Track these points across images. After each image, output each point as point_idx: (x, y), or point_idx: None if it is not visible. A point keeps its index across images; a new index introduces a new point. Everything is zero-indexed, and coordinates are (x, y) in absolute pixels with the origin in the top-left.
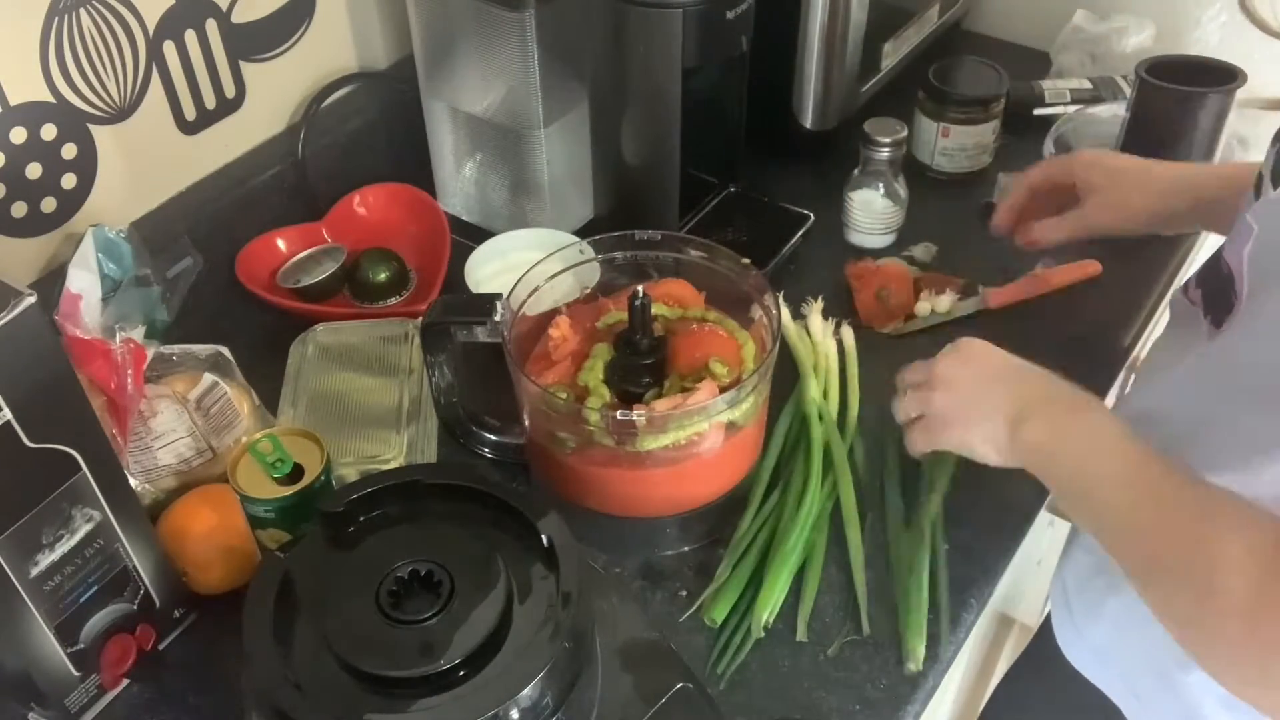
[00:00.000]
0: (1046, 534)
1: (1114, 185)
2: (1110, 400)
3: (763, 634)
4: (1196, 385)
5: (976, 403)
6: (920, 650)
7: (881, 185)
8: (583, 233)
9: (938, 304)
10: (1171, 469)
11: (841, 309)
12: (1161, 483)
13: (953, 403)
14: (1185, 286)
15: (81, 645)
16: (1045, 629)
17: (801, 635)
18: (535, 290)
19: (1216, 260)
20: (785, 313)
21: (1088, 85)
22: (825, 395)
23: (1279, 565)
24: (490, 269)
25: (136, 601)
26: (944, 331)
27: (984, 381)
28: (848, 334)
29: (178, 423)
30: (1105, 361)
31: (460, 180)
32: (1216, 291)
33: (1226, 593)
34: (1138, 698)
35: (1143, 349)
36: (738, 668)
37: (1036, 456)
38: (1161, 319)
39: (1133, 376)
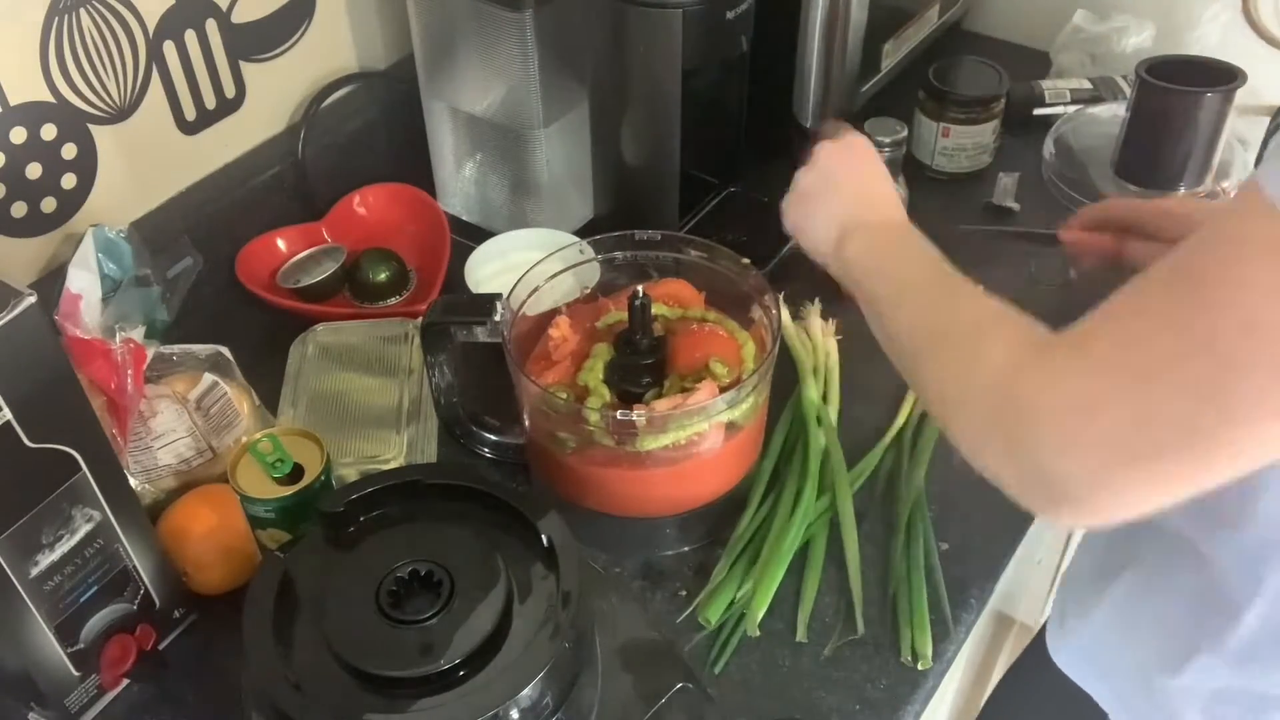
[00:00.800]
0: (1046, 534)
1: None
2: None
3: (757, 633)
4: None
5: (820, 203)
6: (927, 649)
7: None
8: (583, 233)
9: None
10: (966, 279)
11: (841, 309)
12: (953, 281)
13: (807, 192)
14: None
15: (81, 645)
16: (1043, 632)
17: (801, 636)
18: (535, 290)
19: None
20: (785, 313)
21: (1088, 85)
22: (825, 397)
23: (1035, 345)
24: (490, 269)
25: (136, 601)
26: None
27: (834, 183)
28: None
29: (178, 423)
30: None
31: (460, 180)
32: None
33: (988, 361)
34: (1122, 702)
35: None
36: (738, 668)
37: (851, 269)
38: None
39: None
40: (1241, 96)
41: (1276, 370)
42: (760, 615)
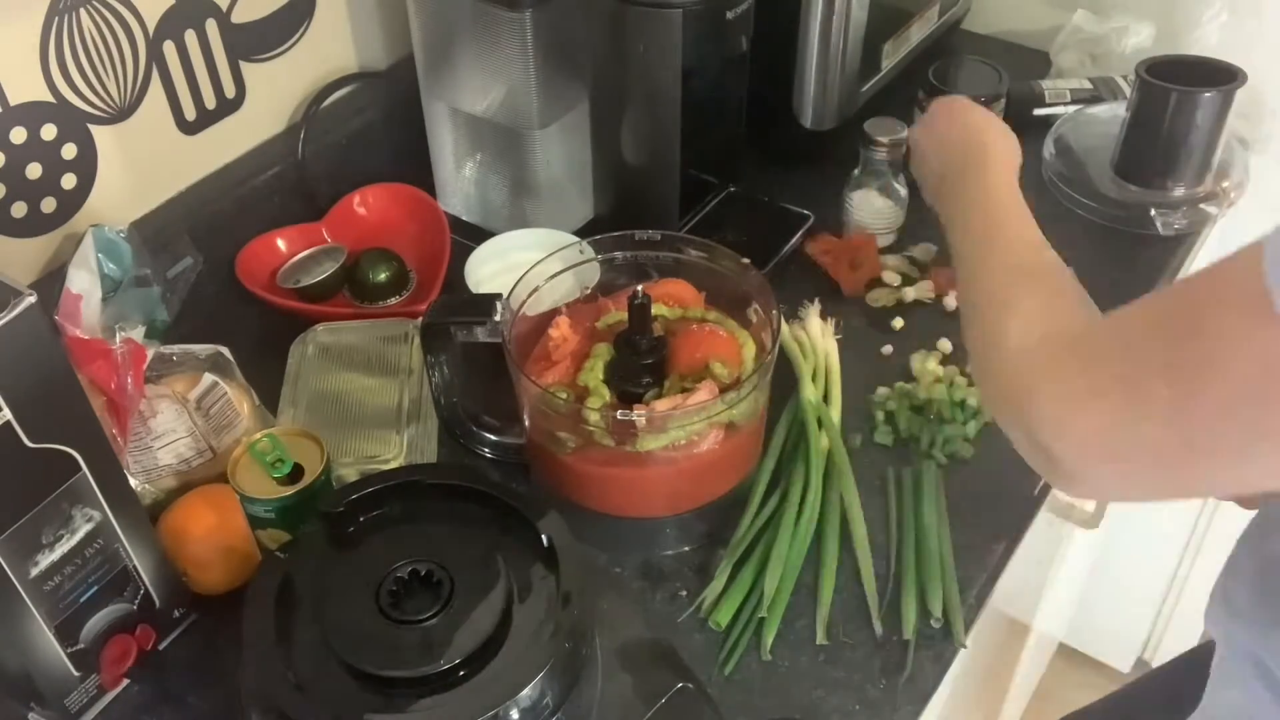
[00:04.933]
0: (1046, 533)
1: None
2: None
3: (769, 657)
4: None
5: (933, 158)
6: (939, 607)
7: (881, 185)
8: (583, 233)
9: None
10: (1022, 235)
11: (840, 309)
12: (1000, 242)
13: (924, 150)
14: None
15: (81, 645)
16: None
17: (821, 639)
18: (535, 290)
19: None
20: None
21: (1088, 85)
22: (826, 396)
23: (1046, 337)
24: (490, 269)
25: (136, 601)
26: (938, 308)
27: (936, 145)
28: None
29: (178, 423)
30: None
31: (460, 180)
32: None
33: (1006, 338)
34: None
35: None
36: (738, 667)
37: (945, 217)
38: None
39: None
40: (1241, 96)
41: (1232, 414)
42: (772, 639)
